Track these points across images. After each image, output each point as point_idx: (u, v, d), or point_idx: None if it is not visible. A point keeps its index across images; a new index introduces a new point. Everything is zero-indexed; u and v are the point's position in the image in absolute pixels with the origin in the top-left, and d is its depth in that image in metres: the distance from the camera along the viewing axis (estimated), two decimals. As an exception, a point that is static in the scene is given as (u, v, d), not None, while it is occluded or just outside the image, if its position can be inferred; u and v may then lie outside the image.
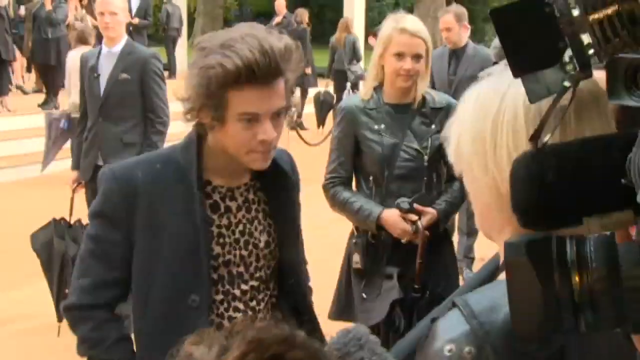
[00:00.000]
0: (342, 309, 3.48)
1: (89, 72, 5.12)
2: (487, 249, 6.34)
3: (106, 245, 2.06)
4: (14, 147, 10.83)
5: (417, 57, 3.27)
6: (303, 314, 2.19)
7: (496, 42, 4.44)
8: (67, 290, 4.99)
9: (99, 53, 5.17)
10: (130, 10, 10.96)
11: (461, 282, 3.76)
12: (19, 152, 10.71)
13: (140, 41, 10.93)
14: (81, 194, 5.17)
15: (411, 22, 3.35)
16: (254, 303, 2.12)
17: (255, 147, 1.96)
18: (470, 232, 6.34)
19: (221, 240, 2.08)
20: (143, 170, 2.07)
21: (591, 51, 0.89)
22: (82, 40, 10.24)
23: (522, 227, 0.95)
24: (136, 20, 13.29)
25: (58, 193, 5.24)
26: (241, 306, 2.11)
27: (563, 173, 0.91)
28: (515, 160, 0.96)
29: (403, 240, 3.28)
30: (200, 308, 2.03)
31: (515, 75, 0.97)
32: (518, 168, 0.94)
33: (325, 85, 13.86)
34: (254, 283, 2.12)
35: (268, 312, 2.15)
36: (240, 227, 2.10)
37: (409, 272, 3.29)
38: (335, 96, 13.26)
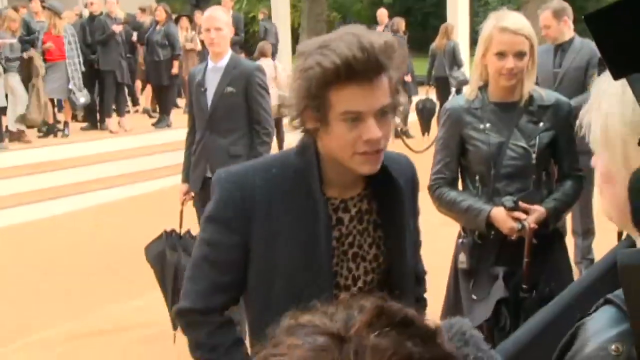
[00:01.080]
0: (451, 310, 3.42)
1: (196, 87, 5.18)
2: (605, 249, 6.14)
3: (221, 250, 2.02)
4: (132, 165, 11.14)
5: (519, 55, 3.18)
6: None
7: None
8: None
9: (205, 68, 5.25)
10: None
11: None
12: (136, 170, 11.02)
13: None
14: (189, 206, 5.24)
15: (513, 19, 3.24)
16: None
17: (361, 148, 1.87)
18: (587, 233, 6.09)
19: (333, 251, 2.01)
20: (260, 175, 2.01)
21: None
22: (263, 53, 12.40)
23: None
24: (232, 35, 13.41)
25: (171, 206, 5.35)
26: None
27: None
28: (633, 173, 0.92)
29: (512, 237, 3.18)
30: None
31: (616, 77, 0.93)
32: (635, 180, 0.92)
33: (426, 92, 13.65)
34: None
35: None
36: (350, 238, 2.03)
37: (517, 272, 3.20)
38: (437, 103, 13.00)
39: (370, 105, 1.85)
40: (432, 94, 13.45)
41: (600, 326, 0.97)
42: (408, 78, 13.59)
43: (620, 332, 0.93)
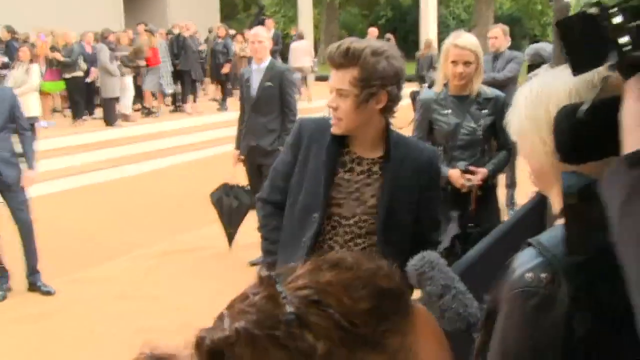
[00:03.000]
0: None
1: (245, 82, 5.09)
2: (524, 198, 6.08)
3: (283, 163, 2.11)
4: (204, 135, 11.08)
5: (466, 63, 3.15)
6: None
7: (529, 49, 4.28)
8: (231, 230, 5.07)
9: (251, 69, 5.15)
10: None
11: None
12: (207, 139, 10.94)
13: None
14: (240, 166, 5.16)
15: (464, 38, 3.20)
16: (351, 244, 1.99)
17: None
18: (512, 185, 6.13)
19: (339, 188, 1.99)
20: (317, 125, 2.07)
21: (629, 48, 0.76)
22: (300, 36, 14.07)
23: (561, 161, 0.91)
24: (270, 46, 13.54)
25: (228, 165, 5.31)
26: (340, 240, 1.99)
27: (593, 124, 0.84)
28: (558, 111, 0.89)
29: (464, 190, 3.17)
30: (316, 223, 1.99)
31: (575, 72, 0.85)
32: (557, 121, 0.89)
33: (417, 86, 13.53)
34: (356, 229, 1.98)
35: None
36: (357, 185, 1.99)
37: (465, 214, 3.18)
38: (420, 91, 12.97)
39: (332, 84, 1.92)
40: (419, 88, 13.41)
41: (522, 261, 0.97)
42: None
43: (533, 265, 0.94)
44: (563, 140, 0.90)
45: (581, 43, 0.82)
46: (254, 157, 5.03)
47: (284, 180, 2.09)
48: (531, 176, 1.13)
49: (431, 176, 2.08)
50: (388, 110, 1.94)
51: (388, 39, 14.33)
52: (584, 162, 0.90)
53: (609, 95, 0.84)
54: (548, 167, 1.04)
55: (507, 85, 5.64)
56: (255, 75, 5.04)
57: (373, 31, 15.76)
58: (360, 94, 1.87)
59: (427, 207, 2.08)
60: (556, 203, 1.06)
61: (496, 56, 6.01)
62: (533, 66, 3.02)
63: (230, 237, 5.06)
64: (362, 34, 30.06)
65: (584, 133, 0.86)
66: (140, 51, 11.47)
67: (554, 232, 0.98)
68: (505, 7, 29.48)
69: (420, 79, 13.26)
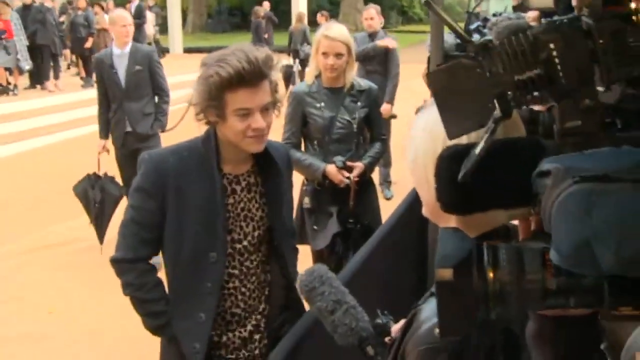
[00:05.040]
0: (298, 237, 3.14)
1: (108, 68, 4.75)
2: (398, 174, 6.29)
3: (144, 213, 1.84)
4: (69, 115, 10.30)
5: (338, 55, 3.07)
6: (284, 268, 1.99)
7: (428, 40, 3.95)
8: (100, 225, 4.77)
9: (112, 54, 4.81)
10: (130, 11, 11.53)
11: (381, 201, 3.59)
12: (72, 118, 10.16)
13: (138, 34, 11.12)
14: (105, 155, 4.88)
15: (334, 29, 3.11)
16: (247, 262, 1.92)
17: (250, 134, 1.76)
18: (387, 164, 6.21)
19: (227, 214, 1.86)
20: (174, 157, 1.84)
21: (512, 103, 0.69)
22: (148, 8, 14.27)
23: (442, 211, 0.81)
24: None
25: (93, 149, 4.96)
26: (238, 265, 1.91)
27: (475, 172, 0.73)
28: (441, 154, 0.79)
29: (341, 186, 3.10)
30: (218, 262, 1.85)
31: (451, 137, 0.75)
32: (439, 167, 0.79)
33: (287, 60, 13.27)
34: (249, 247, 1.91)
35: (258, 268, 1.95)
36: (242, 204, 1.89)
37: (344, 210, 3.13)
38: (293, 66, 12.75)
39: (257, 103, 1.74)
40: (291, 60, 13.12)
41: (428, 315, 0.93)
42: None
43: None
44: (444, 190, 0.80)
45: (460, 100, 0.72)
46: (130, 144, 4.79)
47: (152, 231, 1.85)
48: (424, 208, 1.08)
49: (290, 170, 2.10)
50: None
51: (257, 16, 14.16)
52: (468, 214, 0.82)
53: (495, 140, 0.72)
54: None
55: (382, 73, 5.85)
56: (119, 60, 4.76)
57: (266, 4, 15.57)
58: (272, 102, 1.81)
59: (289, 207, 2.11)
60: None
61: (371, 35, 6.09)
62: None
63: (100, 233, 4.78)
64: (232, 4, 29.28)
65: (467, 185, 0.76)
66: None
67: None
68: (373, -22, 29.97)
69: (294, 52, 13.07)
